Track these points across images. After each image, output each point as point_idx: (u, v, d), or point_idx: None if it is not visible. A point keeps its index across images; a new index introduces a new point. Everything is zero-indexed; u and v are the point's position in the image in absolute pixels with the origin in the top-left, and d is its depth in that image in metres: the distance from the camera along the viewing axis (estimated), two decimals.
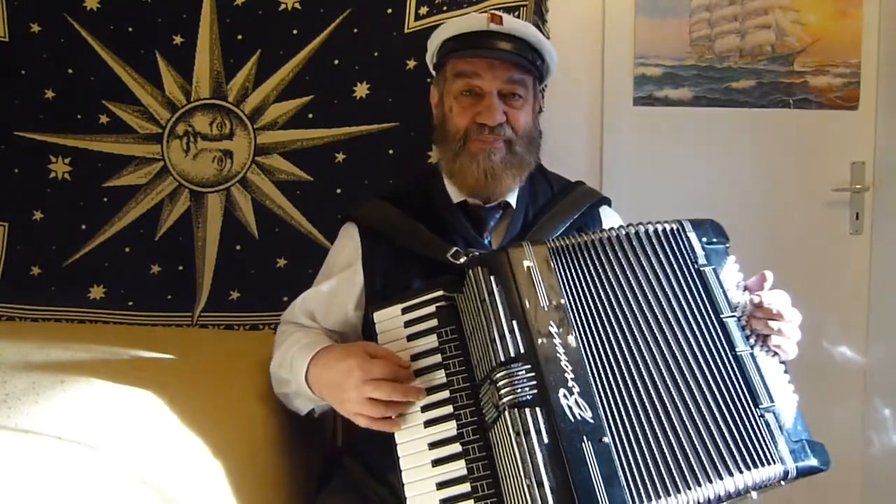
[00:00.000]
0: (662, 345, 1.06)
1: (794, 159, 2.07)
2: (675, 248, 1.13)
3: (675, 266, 1.12)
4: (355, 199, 1.65)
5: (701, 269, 1.12)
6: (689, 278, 1.11)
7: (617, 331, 1.06)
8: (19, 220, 1.96)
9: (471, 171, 1.33)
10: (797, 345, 1.15)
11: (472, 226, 1.35)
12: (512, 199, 1.39)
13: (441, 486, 1.03)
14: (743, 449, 1.02)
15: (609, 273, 1.09)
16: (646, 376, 1.04)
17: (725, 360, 1.07)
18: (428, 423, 1.07)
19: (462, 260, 1.25)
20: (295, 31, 1.91)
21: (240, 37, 1.93)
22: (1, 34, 1.95)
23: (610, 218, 1.46)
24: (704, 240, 1.15)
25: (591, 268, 1.09)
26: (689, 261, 1.12)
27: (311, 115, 1.92)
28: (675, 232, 1.14)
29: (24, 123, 1.96)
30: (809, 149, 2.07)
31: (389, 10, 1.89)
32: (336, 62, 1.91)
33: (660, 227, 1.14)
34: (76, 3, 1.93)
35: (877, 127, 2.05)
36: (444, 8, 1.88)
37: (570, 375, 0.99)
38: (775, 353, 1.12)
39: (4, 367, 1.23)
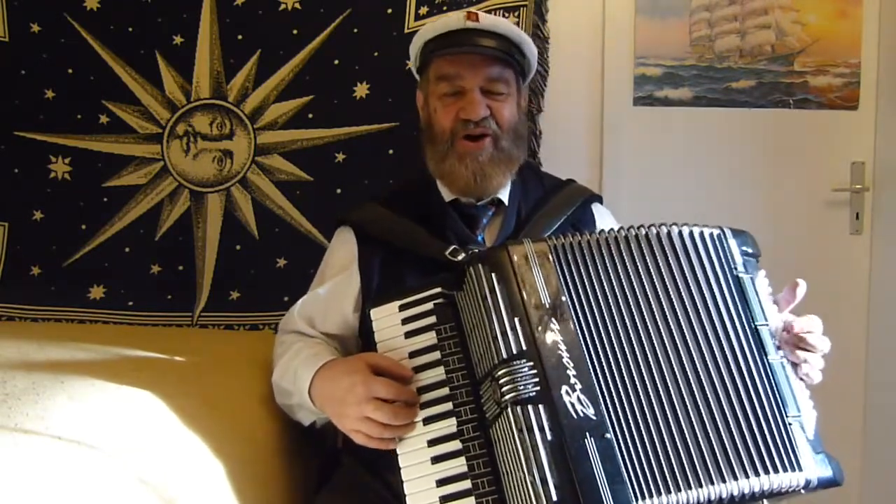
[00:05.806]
0: (690, 344, 1.03)
1: (794, 159, 2.06)
2: (717, 252, 1.10)
3: (715, 269, 1.08)
4: (355, 199, 1.65)
5: (739, 275, 1.10)
6: (726, 283, 1.08)
7: (628, 328, 1.03)
8: (19, 220, 1.97)
9: (460, 173, 1.34)
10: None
11: (465, 224, 1.36)
12: (504, 196, 1.39)
13: (441, 483, 1.03)
14: (765, 452, 1.00)
15: (619, 270, 1.06)
16: (656, 375, 1.01)
17: (757, 366, 1.05)
18: (427, 421, 1.07)
19: (460, 257, 1.25)
20: (295, 31, 1.92)
21: (240, 37, 1.93)
22: (1, 34, 1.95)
23: (602, 215, 1.46)
24: (743, 248, 1.13)
25: (596, 265, 1.06)
26: (729, 266, 1.10)
27: (311, 115, 1.92)
28: (718, 238, 1.11)
29: (24, 123, 1.96)
30: (809, 149, 2.06)
31: (389, 10, 1.90)
32: (336, 62, 1.91)
33: (706, 231, 1.10)
34: (76, 3, 1.93)
35: (877, 127, 2.05)
36: (444, 8, 1.88)
37: (571, 372, 0.99)
38: (801, 379, 1.11)
39: (4, 367, 1.23)
